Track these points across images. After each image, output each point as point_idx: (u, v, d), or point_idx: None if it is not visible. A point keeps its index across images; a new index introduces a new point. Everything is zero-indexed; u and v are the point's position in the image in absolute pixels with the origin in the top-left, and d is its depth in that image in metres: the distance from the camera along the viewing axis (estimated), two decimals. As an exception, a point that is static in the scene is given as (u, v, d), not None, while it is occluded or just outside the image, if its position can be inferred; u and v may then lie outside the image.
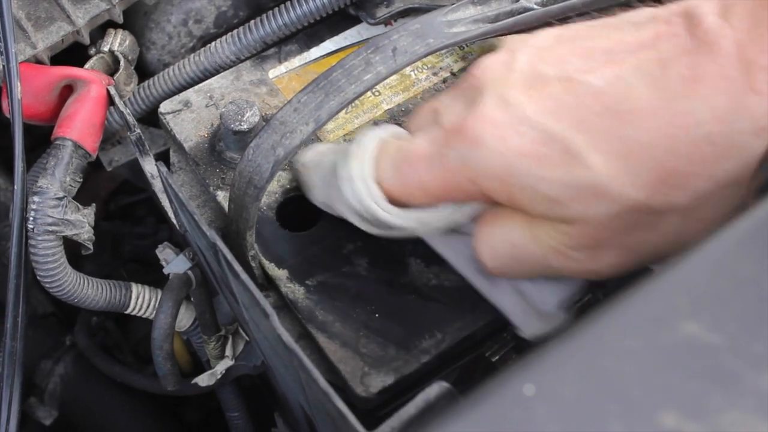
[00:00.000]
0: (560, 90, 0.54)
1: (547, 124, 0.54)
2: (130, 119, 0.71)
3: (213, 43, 0.81)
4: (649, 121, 0.51)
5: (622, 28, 0.56)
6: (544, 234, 0.57)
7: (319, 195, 0.66)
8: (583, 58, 0.56)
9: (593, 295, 0.66)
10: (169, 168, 0.75)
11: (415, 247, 0.68)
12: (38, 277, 0.74)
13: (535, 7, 0.67)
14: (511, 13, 0.67)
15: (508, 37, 0.62)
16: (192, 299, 0.78)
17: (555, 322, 0.62)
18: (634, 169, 0.51)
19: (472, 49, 0.79)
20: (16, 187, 0.72)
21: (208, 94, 0.78)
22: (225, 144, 0.73)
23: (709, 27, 0.51)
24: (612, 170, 0.52)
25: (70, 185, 0.74)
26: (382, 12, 0.79)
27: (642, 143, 0.51)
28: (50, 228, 0.72)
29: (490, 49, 0.78)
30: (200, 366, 0.91)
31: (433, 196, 0.60)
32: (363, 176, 0.60)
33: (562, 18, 0.68)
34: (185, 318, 0.81)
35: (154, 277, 0.87)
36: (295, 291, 0.66)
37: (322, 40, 0.81)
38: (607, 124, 0.52)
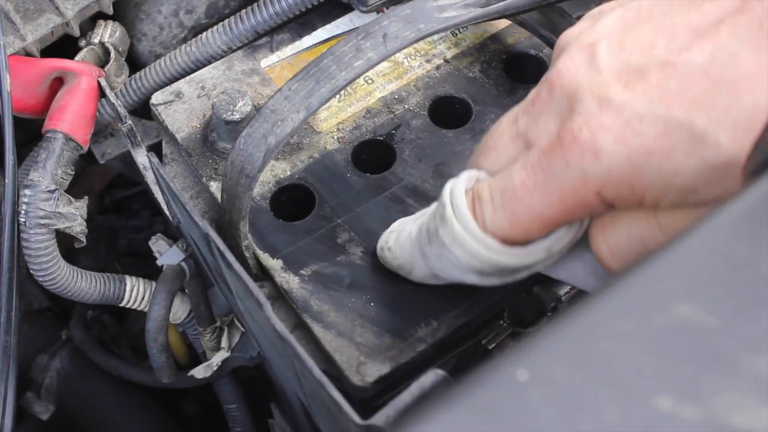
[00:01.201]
0: (661, 77, 0.51)
1: (663, 115, 0.50)
2: (122, 111, 0.71)
3: (204, 34, 0.80)
4: (762, 85, 0.49)
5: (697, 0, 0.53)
6: (674, 221, 0.53)
7: (421, 273, 0.62)
8: (669, 37, 0.52)
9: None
10: (161, 159, 0.74)
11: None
12: (31, 271, 0.73)
13: (527, -10, 0.67)
14: (503, -3, 0.67)
15: (567, 32, 0.57)
16: (186, 291, 0.78)
17: None
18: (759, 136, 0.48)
19: (465, 36, 0.79)
20: (7, 180, 0.72)
21: (200, 85, 0.77)
22: (217, 134, 0.72)
23: None
24: (740, 142, 0.49)
25: (62, 178, 0.74)
26: (373, -1, 0.79)
27: (760, 108, 0.49)
28: (42, 221, 0.71)
29: (483, 35, 0.78)
30: (196, 358, 0.91)
31: (552, 224, 0.55)
32: (471, 233, 0.55)
33: (555, 2, 0.68)
34: (180, 310, 0.80)
35: (150, 270, 0.87)
36: (289, 281, 0.66)
37: (314, 29, 0.81)
38: (722, 98, 0.49)
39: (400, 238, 0.63)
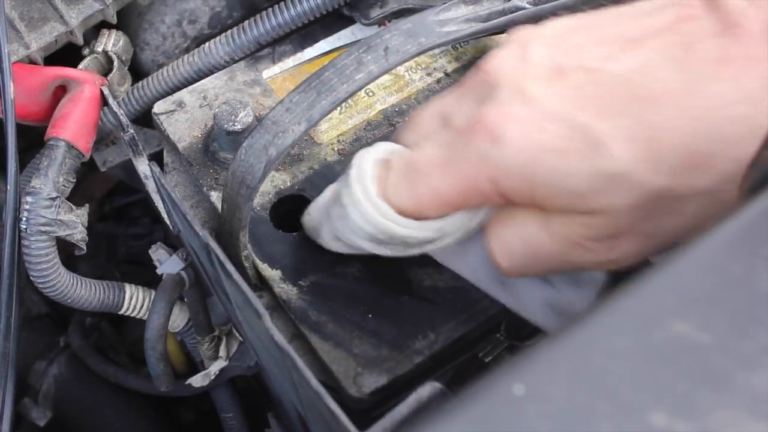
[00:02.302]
0: (581, 80, 0.53)
1: (570, 116, 0.52)
2: (124, 119, 0.71)
3: (207, 44, 0.81)
4: (674, 105, 0.50)
5: (638, 15, 0.54)
6: (562, 228, 0.55)
7: (327, 235, 0.64)
8: (601, 45, 0.54)
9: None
10: (162, 168, 0.75)
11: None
12: (31, 278, 0.74)
13: (527, 6, 0.68)
14: (503, 12, 0.67)
15: (515, 30, 0.59)
16: (186, 300, 0.78)
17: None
18: (657, 154, 0.50)
19: (465, 50, 0.79)
20: (9, 187, 0.72)
21: (202, 95, 0.77)
22: (218, 144, 0.73)
23: (732, 8, 0.50)
24: (636, 157, 0.50)
25: (64, 185, 0.74)
26: (376, 12, 0.79)
27: (666, 128, 0.50)
28: (43, 228, 0.71)
29: (483, 49, 0.79)
30: (194, 367, 0.91)
31: (448, 205, 0.57)
32: (368, 196, 0.57)
33: (554, 16, 0.69)
34: (179, 319, 0.81)
35: (149, 278, 0.87)
36: (288, 291, 0.66)
37: (316, 41, 0.81)
38: (631, 111, 0.51)
39: (318, 201, 0.65)
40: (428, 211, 0.57)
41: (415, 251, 0.60)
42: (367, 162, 0.59)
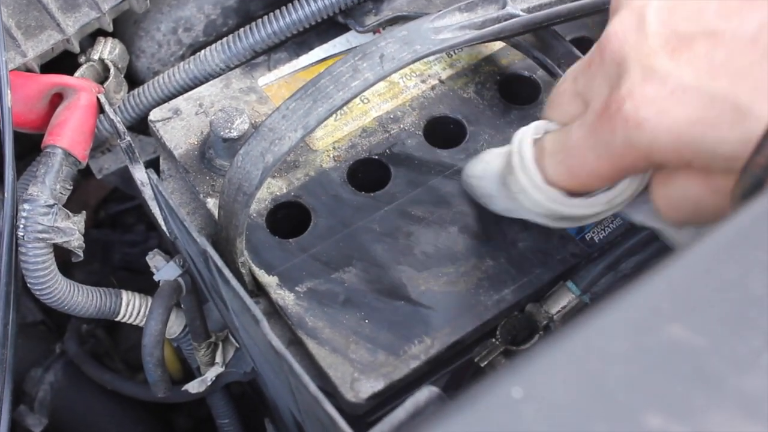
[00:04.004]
0: (708, 47, 0.52)
1: (706, 86, 0.51)
2: (120, 127, 0.72)
3: (202, 51, 0.81)
4: None
5: None
6: (723, 183, 0.53)
7: (498, 205, 0.66)
8: (719, 3, 0.52)
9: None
10: (159, 175, 0.75)
11: (404, 255, 0.68)
12: (28, 285, 0.74)
13: (521, 13, 0.68)
14: (498, 20, 0.68)
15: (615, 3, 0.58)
16: (182, 306, 0.79)
17: None
18: None
19: (460, 57, 0.80)
20: (6, 194, 0.72)
21: (198, 102, 0.78)
22: (215, 151, 0.73)
23: None
24: None
25: (61, 193, 0.74)
26: (370, 20, 0.80)
27: None
28: (40, 235, 0.72)
29: (478, 56, 0.79)
30: (190, 373, 0.91)
31: (608, 179, 0.58)
32: (535, 185, 0.59)
33: (548, 24, 0.69)
34: (176, 325, 0.81)
35: (143, 284, 0.88)
36: (284, 297, 0.67)
37: (311, 48, 0.82)
38: (765, 69, 0.50)
39: (487, 170, 0.66)
40: (593, 187, 0.59)
41: (591, 221, 0.62)
42: (526, 148, 0.60)
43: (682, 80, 0.52)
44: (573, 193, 0.59)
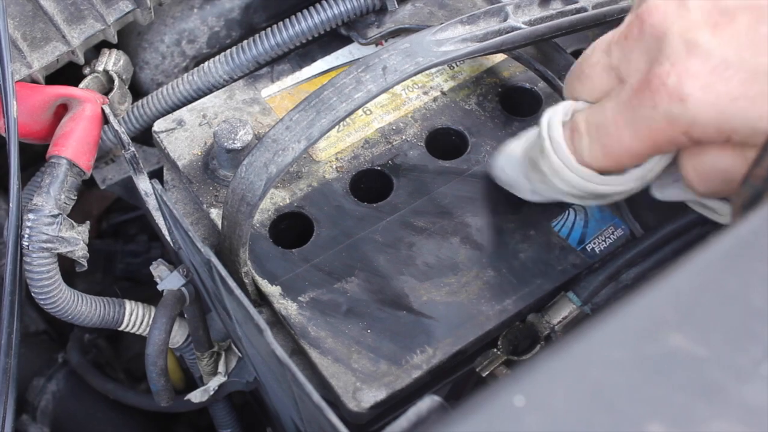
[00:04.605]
0: (750, 21, 0.52)
1: (750, 61, 0.51)
2: (125, 138, 0.72)
3: (206, 63, 0.82)
4: None
5: None
6: (753, 156, 0.53)
7: (524, 191, 0.67)
8: None
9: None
10: (162, 186, 0.75)
11: (407, 265, 0.69)
12: (33, 294, 0.74)
13: (523, 26, 0.69)
14: (499, 33, 0.68)
15: None
16: (186, 316, 0.79)
17: None
18: None
19: (462, 69, 0.80)
20: (11, 204, 0.73)
21: (202, 113, 0.78)
22: (218, 162, 0.73)
23: None
24: None
25: (65, 203, 0.74)
26: (373, 32, 0.80)
27: None
28: (45, 245, 0.72)
29: (480, 68, 0.80)
30: (193, 383, 0.91)
31: (643, 156, 0.58)
32: (569, 165, 0.60)
33: (549, 37, 0.70)
34: (179, 334, 0.81)
35: (146, 294, 0.88)
36: (287, 307, 0.67)
37: (314, 60, 0.82)
38: None
39: (510, 160, 0.68)
40: (626, 165, 0.60)
41: (620, 197, 0.63)
42: (557, 131, 0.61)
43: (725, 56, 0.52)
44: (604, 172, 0.60)
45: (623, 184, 0.61)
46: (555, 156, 0.61)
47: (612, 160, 0.59)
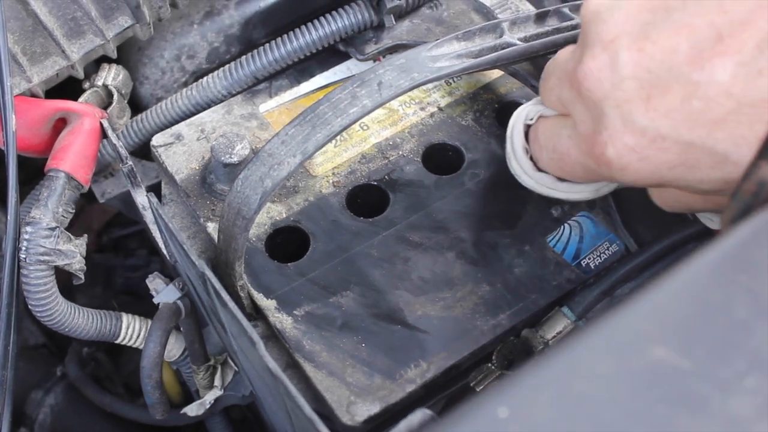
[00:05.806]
0: (684, 95, 0.52)
1: (685, 136, 0.53)
2: (123, 152, 0.73)
3: (205, 78, 0.82)
4: None
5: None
6: (712, 196, 0.57)
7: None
8: (690, 41, 0.52)
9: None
10: (160, 200, 0.76)
11: (402, 280, 0.69)
12: (30, 306, 0.74)
13: (518, 42, 0.69)
14: (494, 48, 0.69)
15: (589, 4, 0.58)
16: (182, 329, 0.79)
17: None
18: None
19: (458, 85, 0.81)
20: (9, 217, 0.73)
21: (200, 128, 0.79)
22: (215, 176, 0.74)
23: None
24: (751, 154, 0.48)
25: (63, 216, 0.75)
26: (370, 48, 0.81)
27: None
28: (42, 258, 0.72)
29: (476, 84, 0.80)
30: (189, 396, 0.91)
31: (598, 177, 0.61)
32: (526, 171, 0.66)
33: (544, 54, 0.70)
34: (175, 348, 0.81)
35: (145, 309, 0.88)
36: (282, 321, 0.67)
37: (312, 76, 0.83)
38: (744, 119, 0.51)
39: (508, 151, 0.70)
40: (581, 180, 0.63)
41: (589, 197, 0.67)
42: (517, 137, 0.66)
43: (660, 131, 0.54)
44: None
45: (579, 194, 0.66)
46: (514, 160, 0.66)
47: (567, 176, 0.63)
